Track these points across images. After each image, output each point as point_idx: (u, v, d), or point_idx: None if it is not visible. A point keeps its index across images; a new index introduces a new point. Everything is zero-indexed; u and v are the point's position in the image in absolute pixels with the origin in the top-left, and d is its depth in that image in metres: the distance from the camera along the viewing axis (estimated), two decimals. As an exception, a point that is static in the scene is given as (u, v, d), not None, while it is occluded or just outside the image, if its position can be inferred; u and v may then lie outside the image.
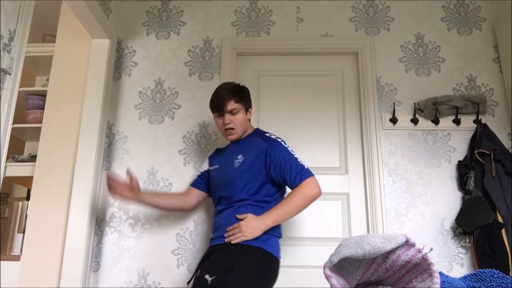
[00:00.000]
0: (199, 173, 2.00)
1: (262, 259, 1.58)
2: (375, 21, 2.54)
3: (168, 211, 2.18)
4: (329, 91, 2.47)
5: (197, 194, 1.97)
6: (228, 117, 1.77)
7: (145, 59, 2.52)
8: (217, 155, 1.97)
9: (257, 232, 1.57)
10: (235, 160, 1.74)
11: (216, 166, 1.88)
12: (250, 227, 1.58)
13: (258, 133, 1.85)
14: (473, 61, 2.44)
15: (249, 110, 1.87)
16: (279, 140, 1.78)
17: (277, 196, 1.76)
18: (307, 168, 1.71)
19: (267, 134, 1.83)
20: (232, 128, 1.78)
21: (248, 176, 1.71)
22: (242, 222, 1.60)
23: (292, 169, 1.68)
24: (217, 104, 1.78)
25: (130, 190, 1.81)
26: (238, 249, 1.57)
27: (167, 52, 2.53)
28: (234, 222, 1.64)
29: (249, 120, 1.90)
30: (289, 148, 1.75)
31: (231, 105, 1.76)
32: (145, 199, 1.90)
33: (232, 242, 1.57)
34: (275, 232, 1.67)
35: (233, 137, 1.81)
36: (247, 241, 1.58)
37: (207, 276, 1.46)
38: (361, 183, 2.31)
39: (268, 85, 2.49)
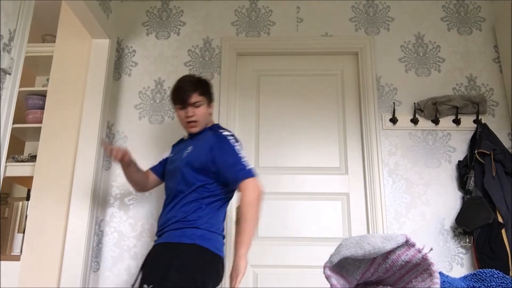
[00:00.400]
0: (160, 159, 1.97)
1: (198, 257, 1.52)
2: (375, 21, 2.54)
3: (130, 183, 2.01)
4: (329, 91, 2.47)
5: (154, 179, 1.94)
6: (191, 109, 1.72)
7: (145, 59, 2.52)
8: (177, 145, 1.94)
9: (244, 263, 1.51)
10: (185, 151, 1.73)
11: (171, 155, 1.88)
12: (240, 268, 1.51)
13: (214, 129, 1.79)
14: (473, 61, 2.44)
15: (211, 104, 1.83)
16: (229, 137, 1.70)
17: (222, 196, 1.69)
18: (249, 168, 1.62)
19: (220, 130, 1.77)
20: (195, 121, 1.74)
21: (192, 167, 1.66)
22: (232, 276, 1.52)
23: (233, 169, 1.61)
24: (181, 96, 1.73)
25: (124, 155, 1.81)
26: (172, 250, 1.53)
27: (167, 52, 2.53)
28: (174, 217, 1.61)
29: (211, 114, 1.85)
30: (236, 147, 1.67)
31: (195, 97, 1.72)
32: (131, 166, 1.87)
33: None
34: (212, 227, 1.61)
35: (195, 129, 1.76)
36: (181, 237, 1.55)
37: (145, 286, 1.47)
38: (361, 183, 2.31)
39: (268, 85, 2.49)
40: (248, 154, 2.35)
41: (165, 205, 1.71)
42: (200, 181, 1.64)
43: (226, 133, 1.74)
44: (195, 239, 1.54)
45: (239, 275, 1.50)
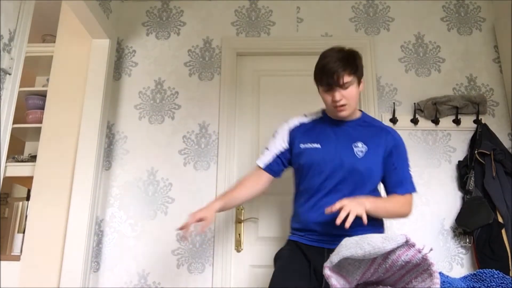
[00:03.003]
0: (275, 154, 1.63)
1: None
2: (375, 21, 2.54)
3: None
4: (329, 91, 2.46)
5: (270, 180, 1.65)
6: (339, 92, 1.47)
7: (145, 59, 2.52)
8: (308, 132, 1.63)
9: (360, 210, 1.29)
10: (354, 148, 1.52)
11: (318, 146, 1.56)
12: (353, 203, 1.30)
13: (373, 120, 1.67)
14: (473, 61, 2.43)
15: (362, 80, 1.56)
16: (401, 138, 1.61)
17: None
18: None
19: (385, 125, 1.65)
20: (344, 104, 1.49)
21: (374, 169, 1.52)
22: (343, 201, 1.31)
23: (405, 176, 1.54)
24: (328, 78, 1.47)
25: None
26: None
27: (167, 52, 2.53)
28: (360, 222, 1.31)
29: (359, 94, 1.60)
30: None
31: (345, 78, 1.46)
32: (223, 209, 1.60)
33: (340, 220, 1.26)
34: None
35: (346, 113, 1.52)
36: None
37: None
38: (361, 183, 2.30)
39: (268, 85, 2.49)
40: (248, 155, 2.36)
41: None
42: (378, 180, 1.57)
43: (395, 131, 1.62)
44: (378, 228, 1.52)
45: (347, 205, 1.28)
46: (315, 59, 2.59)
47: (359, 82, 1.52)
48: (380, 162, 1.53)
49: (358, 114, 1.62)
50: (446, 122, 2.31)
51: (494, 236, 1.97)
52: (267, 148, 1.66)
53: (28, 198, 2.55)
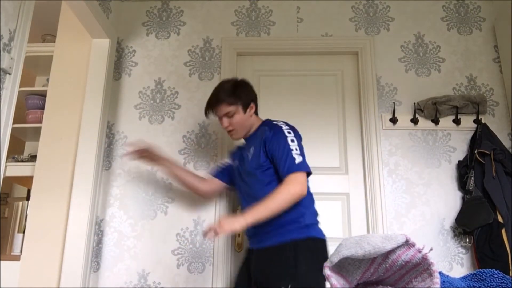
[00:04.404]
0: (222, 164, 2.04)
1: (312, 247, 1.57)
2: (375, 21, 2.54)
3: (185, 188, 2.10)
4: (329, 91, 2.47)
5: (217, 184, 1.99)
6: (225, 120, 1.77)
7: (145, 59, 2.52)
8: (237, 151, 1.97)
9: (236, 225, 1.45)
10: (248, 154, 1.76)
11: (237, 163, 1.89)
12: (227, 221, 1.47)
13: (267, 123, 1.80)
14: (473, 61, 2.43)
15: (250, 106, 1.79)
16: (284, 127, 1.69)
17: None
18: (301, 162, 1.59)
19: (275, 122, 1.76)
20: (231, 129, 1.79)
21: (260, 163, 1.67)
22: (220, 218, 1.50)
23: (285, 160, 1.59)
24: (211, 109, 1.80)
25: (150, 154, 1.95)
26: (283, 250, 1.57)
27: (167, 52, 2.53)
28: (263, 224, 1.58)
29: (256, 113, 1.87)
30: (289, 138, 1.65)
31: (224, 109, 1.74)
32: (169, 165, 1.99)
33: (207, 237, 1.47)
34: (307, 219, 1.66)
35: (236, 137, 1.84)
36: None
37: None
38: (361, 183, 2.31)
39: (268, 85, 2.49)
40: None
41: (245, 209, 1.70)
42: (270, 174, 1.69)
43: (281, 123, 1.74)
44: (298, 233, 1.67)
45: (218, 230, 1.44)
46: (315, 59, 2.61)
47: (245, 108, 1.75)
48: (263, 156, 1.67)
49: (255, 127, 1.82)
50: (446, 122, 2.31)
51: (494, 236, 1.97)
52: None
53: (28, 198, 2.56)
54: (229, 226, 1.45)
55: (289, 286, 1.45)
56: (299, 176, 1.56)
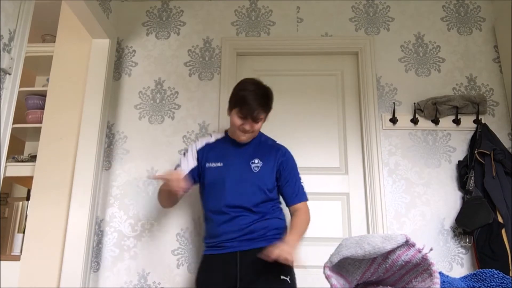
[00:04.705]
0: (187, 171, 1.79)
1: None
2: (375, 21, 2.54)
3: (164, 205, 1.99)
4: (329, 91, 2.47)
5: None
6: (252, 124, 1.71)
7: (145, 59, 2.52)
8: (213, 151, 1.82)
9: (294, 252, 1.52)
10: (252, 164, 1.75)
11: (219, 164, 1.77)
12: (290, 250, 1.50)
13: (267, 139, 1.89)
14: (473, 61, 2.43)
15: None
16: (290, 153, 1.86)
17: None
18: (305, 191, 1.81)
19: (278, 142, 1.88)
20: (250, 133, 1.74)
21: (268, 182, 1.75)
22: (283, 246, 1.50)
23: (298, 187, 1.77)
24: (247, 111, 1.68)
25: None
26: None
27: (167, 52, 2.53)
28: (259, 229, 1.68)
29: None
30: (296, 165, 1.84)
31: (260, 115, 1.72)
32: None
33: (281, 260, 1.46)
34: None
35: (246, 139, 1.78)
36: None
37: (283, 277, 1.60)
38: (361, 183, 2.31)
39: (268, 85, 2.47)
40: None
41: (233, 217, 1.70)
42: (275, 192, 1.80)
43: (282, 146, 1.88)
44: None
45: (289, 258, 1.45)
46: (315, 59, 2.61)
47: (266, 117, 1.78)
48: (273, 174, 1.77)
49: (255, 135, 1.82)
50: (446, 122, 2.31)
51: (494, 236, 1.97)
52: (179, 165, 1.84)
53: (28, 198, 2.55)
54: (292, 254, 1.49)
55: (288, 277, 1.62)
56: (308, 205, 1.78)
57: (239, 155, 1.79)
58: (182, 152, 1.88)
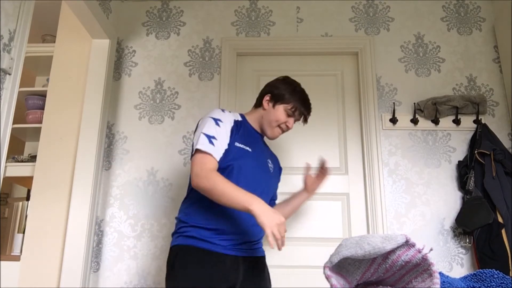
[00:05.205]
0: (224, 149, 1.48)
1: None
2: (375, 21, 2.54)
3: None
4: (329, 91, 2.47)
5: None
6: (293, 123, 1.66)
7: (145, 59, 2.52)
8: (241, 131, 1.58)
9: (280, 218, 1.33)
10: (268, 164, 1.65)
11: (248, 149, 1.55)
12: (275, 220, 1.30)
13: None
14: (473, 61, 2.44)
15: None
16: None
17: None
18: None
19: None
20: (286, 131, 1.68)
21: (276, 186, 1.77)
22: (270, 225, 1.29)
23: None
24: (305, 112, 1.66)
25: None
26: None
27: (167, 52, 2.53)
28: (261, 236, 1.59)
29: None
30: None
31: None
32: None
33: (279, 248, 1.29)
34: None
35: (276, 137, 1.68)
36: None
37: None
38: (361, 183, 2.31)
39: (268, 85, 2.49)
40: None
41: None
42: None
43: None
44: None
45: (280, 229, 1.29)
46: (315, 59, 2.61)
47: None
48: (278, 180, 1.78)
49: None
50: (446, 122, 2.31)
51: (494, 236, 1.97)
52: (214, 138, 1.46)
53: (28, 198, 2.56)
54: (280, 225, 1.29)
55: None
56: None
57: (261, 149, 1.66)
58: (212, 118, 1.51)
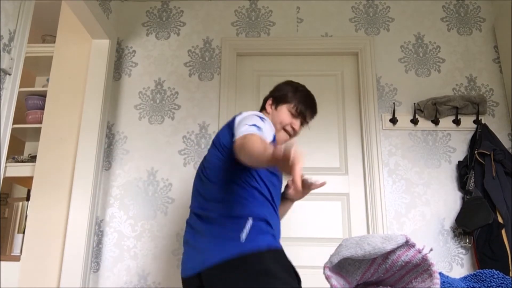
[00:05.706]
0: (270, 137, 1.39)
1: None
2: (375, 21, 2.54)
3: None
4: (329, 91, 2.47)
5: None
6: (297, 126, 1.55)
7: (145, 59, 2.52)
8: None
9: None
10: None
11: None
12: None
13: None
14: (473, 61, 2.44)
15: None
16: None
17: None
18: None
19: None
20: (293, 136, 1.56)
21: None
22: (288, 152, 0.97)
23: None
24: (311, 111, 1.57)
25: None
26: None
27: (167, 52, 2.53)
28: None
29: None
30: None
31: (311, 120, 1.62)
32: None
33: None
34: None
35: (284, 143, 1.54)
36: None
37: None
38: (361, 183, 2.31)
39: (268, 85, 2.46)
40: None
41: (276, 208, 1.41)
42: None
43: None
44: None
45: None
46: (315, 59, 2.61)
47: None
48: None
49: None
50: (446, 122, 2.31)
51: (494, 236, 1.97)
52: (259, 128, 1.27)
53: (28, 198, 2.55)
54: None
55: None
56: None
57: None
58: (255, 115, 1.34)
